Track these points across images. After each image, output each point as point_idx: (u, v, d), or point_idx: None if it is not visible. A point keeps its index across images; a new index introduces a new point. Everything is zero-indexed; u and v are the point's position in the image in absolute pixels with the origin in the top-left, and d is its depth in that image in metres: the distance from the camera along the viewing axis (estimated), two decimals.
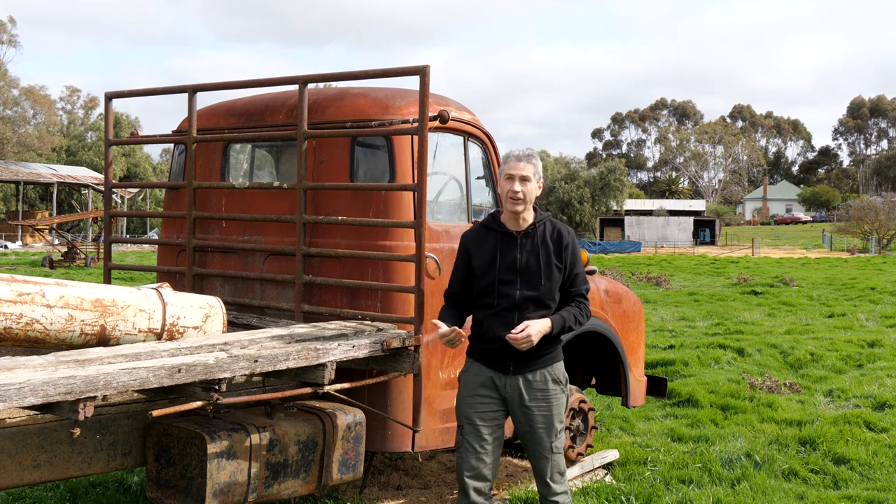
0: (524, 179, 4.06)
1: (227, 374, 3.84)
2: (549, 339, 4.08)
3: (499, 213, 4.20)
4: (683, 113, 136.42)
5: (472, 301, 4.16)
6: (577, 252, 4.20)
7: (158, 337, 4.44)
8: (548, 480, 4.15)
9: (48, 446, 3.82)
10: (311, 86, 5.16)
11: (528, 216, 4.15)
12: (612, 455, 6.45)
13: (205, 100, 8.21)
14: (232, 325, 5.05)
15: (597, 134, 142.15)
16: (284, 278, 5.17)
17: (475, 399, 4.12)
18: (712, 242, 71.64)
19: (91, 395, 3.39)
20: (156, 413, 3.78)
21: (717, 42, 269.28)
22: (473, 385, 4.13)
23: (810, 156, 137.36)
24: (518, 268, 4.07)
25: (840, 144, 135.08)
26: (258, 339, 4.27)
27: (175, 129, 6.09)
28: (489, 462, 4.09)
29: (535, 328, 3.95)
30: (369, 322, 4.82)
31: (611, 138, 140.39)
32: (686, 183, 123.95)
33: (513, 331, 3.94)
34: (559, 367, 4.18)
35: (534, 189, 4.10)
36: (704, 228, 73.67)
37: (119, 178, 68.26)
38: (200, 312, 4.62)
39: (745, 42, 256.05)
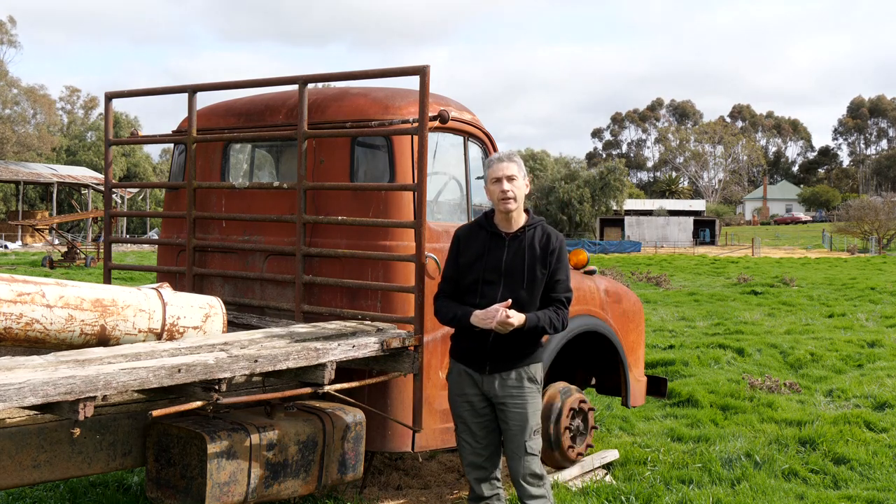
0: (510, 178, 4.13)
1: (227, 374, 3.84)
2: (526, 341, 4.14)
3: (492, 212, 4.23)
4: (683, 113, 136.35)
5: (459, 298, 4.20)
6: (564, 259, 4.21)
7: (158, 337, 4.44)
8: (520, 481, 4.15)
9: (48, 446, 3.82)
10: (311, 86, 5.16)
11: (520, 219, 4.20)
12: (612, 455, 6.44)
13: (205, 100, 8.19)
14: (232, 325, 5.05)
15: (597, 134, 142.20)
16: (284, 278, 5.17)
17: (462, 397, 4.24)
18: (712, 242, 71.63)
19: (91, 395, 3.39)
20: (156, 413, 3.78)
21: (716, 42, 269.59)
22: (459, 383, 4.25)
23: (810, 156, 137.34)
24: (502, 269, 4.11)
25: (840, 144, 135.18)
26: (258, 339, 4.26)
27: (175, 129, 6.09)
28: (486, 455, 4.21)
29: (513, 314, 3.98)
30: (369, 322, 4.82)
31: (611, 138, 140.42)
32: (686, 183, 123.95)
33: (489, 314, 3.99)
34: (536, 368, 4.22)
35: (521, 186, 4.16)
36: (704, 228, 73.68)
37: (119, 178, 68.23)
38: (200, 312, 4.62)
39: (745, 42, 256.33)
